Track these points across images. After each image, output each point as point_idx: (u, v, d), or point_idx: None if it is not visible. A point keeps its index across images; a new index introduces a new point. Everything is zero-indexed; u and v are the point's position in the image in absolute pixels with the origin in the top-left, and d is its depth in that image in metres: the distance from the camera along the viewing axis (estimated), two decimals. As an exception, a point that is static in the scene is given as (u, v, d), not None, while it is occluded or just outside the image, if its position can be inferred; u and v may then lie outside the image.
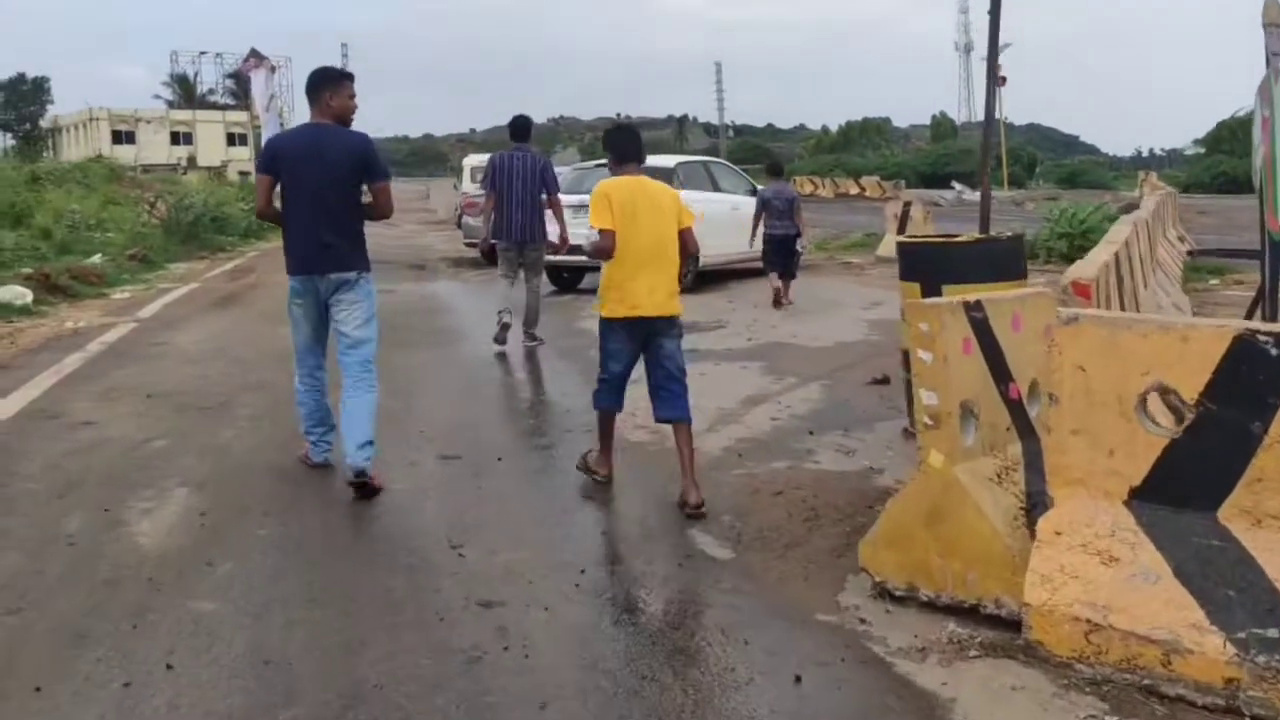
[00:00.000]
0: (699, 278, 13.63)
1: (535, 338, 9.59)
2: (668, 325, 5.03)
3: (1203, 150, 53.87)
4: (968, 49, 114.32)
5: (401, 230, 29.86)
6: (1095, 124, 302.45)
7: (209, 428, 6.57)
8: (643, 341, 5.03)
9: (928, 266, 5.84)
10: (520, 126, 9.63)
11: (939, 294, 5.66)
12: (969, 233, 6.49)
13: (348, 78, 5.41)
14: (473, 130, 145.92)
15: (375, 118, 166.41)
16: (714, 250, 13.99)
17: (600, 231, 4.94)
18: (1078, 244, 15.14)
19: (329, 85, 5.23)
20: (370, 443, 5.11)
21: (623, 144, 5.23)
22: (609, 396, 5.18)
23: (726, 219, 14.23)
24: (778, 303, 12.16)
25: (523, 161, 9.29)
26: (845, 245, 19.20)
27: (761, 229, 12.82)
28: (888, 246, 16.47)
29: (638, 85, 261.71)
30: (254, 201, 5.92)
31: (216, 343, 9.90)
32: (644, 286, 4.89)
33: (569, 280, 14.35)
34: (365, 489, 5.06)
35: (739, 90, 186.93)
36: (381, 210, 5.37)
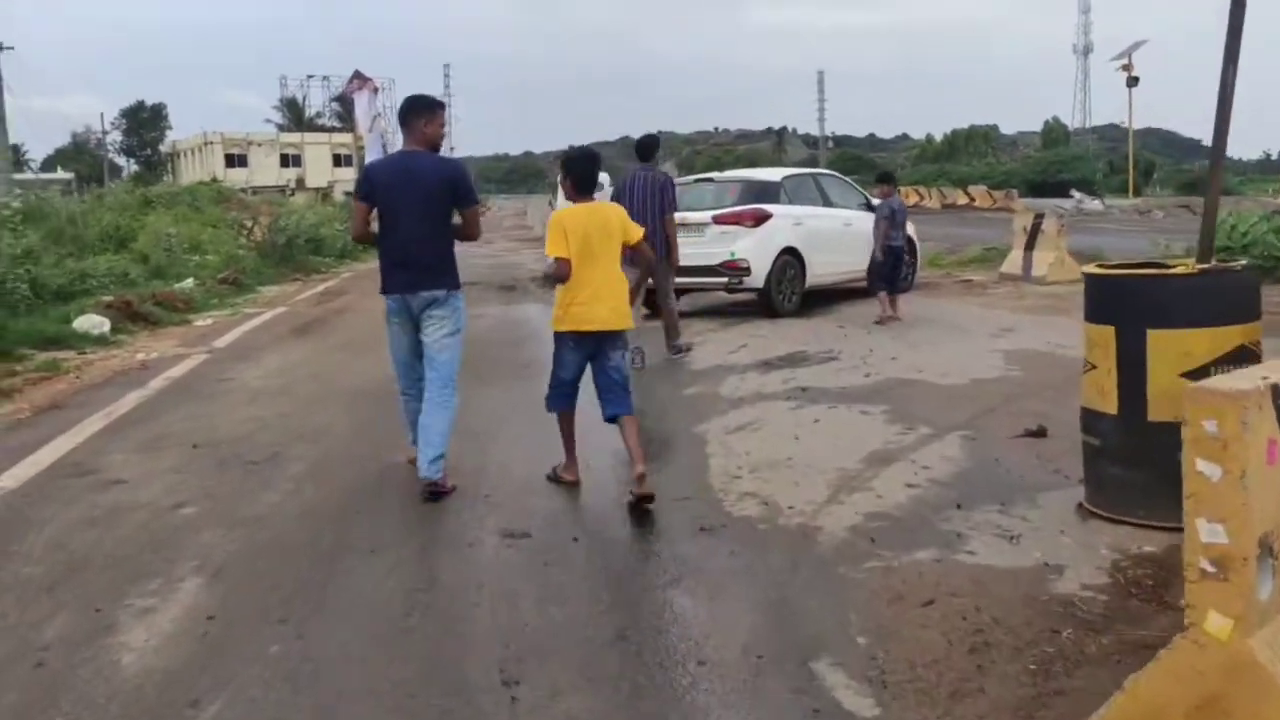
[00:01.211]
0: (805, 300, 12.46)
1: (679, 348, 9.69)
2: (616, 339, 5.49)
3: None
4: (1086, 51, 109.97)
5: (495, 248, 29.27)
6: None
7: (248, 490, 5.65)
8: (591, 353, 5.47)
9: (1131, 305, 4.60)
10: (645, 145, 9.84)
11: (1143, 340, 4.45)
12: (1182, 261, 5.11)
13: (440, 105, 5.75)
14: (571, 146, 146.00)
15: (476, 136, 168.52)
16: (823, 269, 12.85)
17: (556, 259, 5.37)
18: (1237, 258, 13.49)
19: (425, 113, 5.51)
20: (442, 455, 5.39)
21: (586, 174, 5.60)
22: (559, 400, 5.61)
23: (837, 235, 13.06)
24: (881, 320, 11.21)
25: (646, 180, 9.34)
26: (962, 261, 17.71)
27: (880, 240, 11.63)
28: (1013, 262, 15.01)
29: (735, 97, 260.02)
30: (350, 221, 6.43)
31: (285, 377, 9.08)
32: (597, 303, 5.34)
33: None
34: (436, 495, 5.35)
35: (839, 100, 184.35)
36: (470, 232, 5.74)
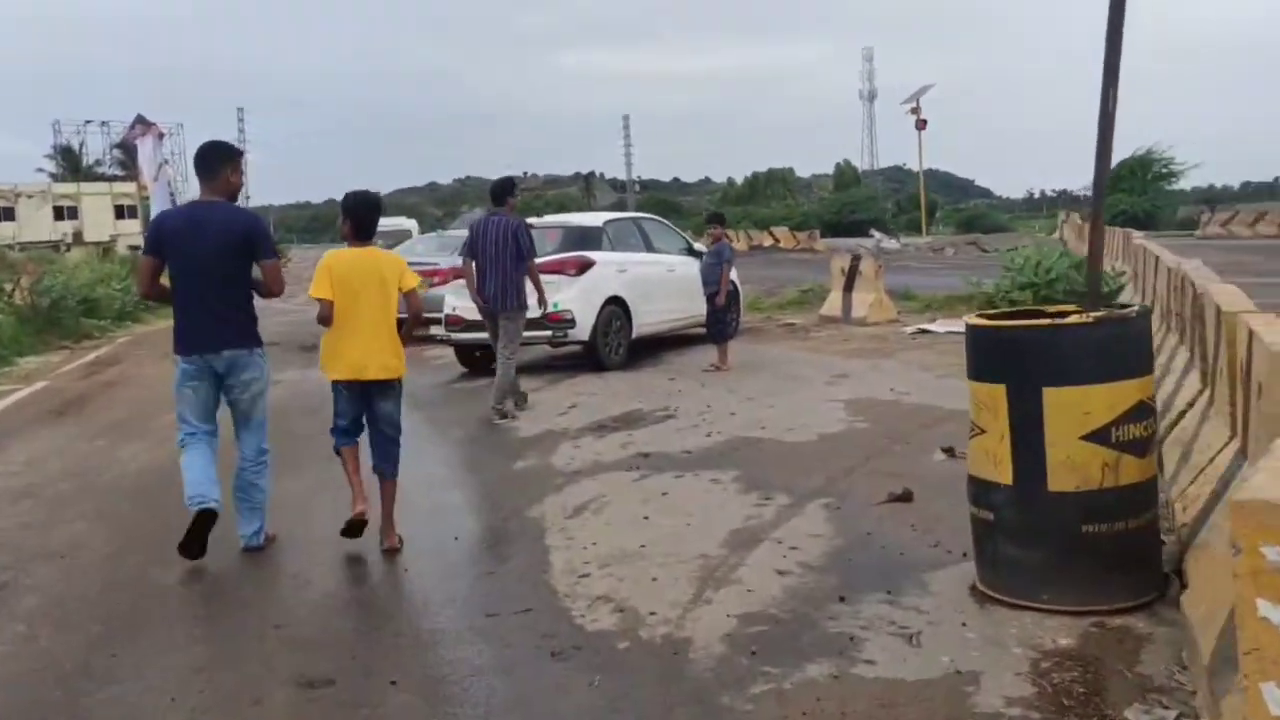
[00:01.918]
0: (631, 350, 11.82)
1: (504, 413, 8.99)
2: (386, 388, 5.45)
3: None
4: (871, 97, 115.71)
5: (296, 302, 27.29)
6: (987, 167, 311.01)
7: (-34, 636, 4.44)
8: (365, 399, 5.42)
9: (1023, 360, 4.06)
10: (497, 189, 9.38)
11: (1038, 400, 3.91)
12: (1062, 307, 4.53)
13: (241, 154, 5.58)
14: (378, 192, 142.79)
15: (275, 183, 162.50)
16: (650, 318, 12.24)
17: (319, 301, 5.33)
18: (1043, 294, 13.71)
19: (229, 161, 5.30)
20: (261, 529, 5.42)
21: (362, 219, 5.45)
22: (342, 439, 5.52)
23: (662, 282, 12.48)
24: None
25: (497, 226, 9.02)
26: (781, 304, 17.54)
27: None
28: (833, 305, 14.87)
29: (544, 143, 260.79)
30: (136, 278, 5.99)
31: (31, 474, 7.64)
32: (361, 352, 5.30)
33: (484, 360, 12.37)
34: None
35: (645, 145, 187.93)
36: (270, 288, 5.43)
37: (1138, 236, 13.38)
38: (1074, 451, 3.90)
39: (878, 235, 37.67)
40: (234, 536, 5.43)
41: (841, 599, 4.28)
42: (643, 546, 5.16)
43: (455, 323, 11.81)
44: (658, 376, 10.81)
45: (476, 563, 5.26)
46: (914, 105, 41.75)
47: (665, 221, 14.24)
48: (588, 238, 12.02)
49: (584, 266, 11.45)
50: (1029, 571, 3.99)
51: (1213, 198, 70.93)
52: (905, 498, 5.62)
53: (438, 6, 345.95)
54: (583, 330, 11.29)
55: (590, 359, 11.52)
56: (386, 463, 5.47)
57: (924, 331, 12.83)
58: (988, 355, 4.27)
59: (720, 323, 11.21)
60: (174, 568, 5.19)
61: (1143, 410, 3.98)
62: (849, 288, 14.60)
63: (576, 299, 11.27)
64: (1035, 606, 3.93)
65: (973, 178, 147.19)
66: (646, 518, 5.70)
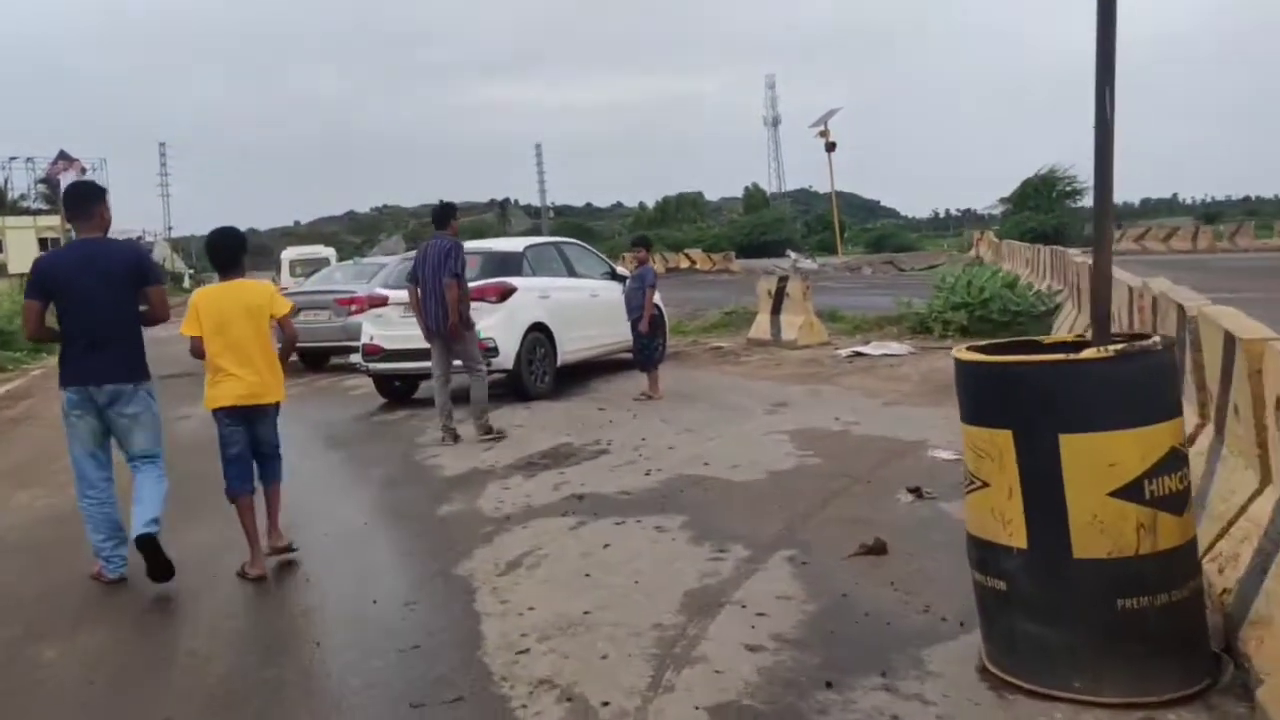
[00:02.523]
0: (557, 378, 11.08)
1: (490, 430, 8.73)
2: (265, 412, 5.54)
3: (1010, 207, 55.32)
4: (775, 122, 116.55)
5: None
6: (892, 188, 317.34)
7: None
8: (249, 424, 5.50)
9: (1033, 402, 3.38)
10: (437, 214, 9.32)
11: (1054, 449, 3.29)
12: (1064, 338, 3.85)
13: (105, 191, 5.69)
14: (296, 222, 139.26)
15: (197, 214, 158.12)
16: (575, 344, 11.52)
17: (190, 338, 5.47)
18: (978, 314, 13.36)
19: (99, 200, 5.43)
20: (157, 519, 5.24)
21: (221, 255, 5.61)
22: (235, 482, 5.48)
23: (586, 307, 11.79)
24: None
25: (436, 249, 8.80)
26: (705, 326, 16.94)
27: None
28: (761, 327, 14.30)
29: (458, 170, 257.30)
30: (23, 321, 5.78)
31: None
32: (233, 381, 5.38)
33: (403, 390, 11.50)
34: (157, 555, 5.14)
35: (557, 171, 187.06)
36: (157, 314, 5.50)
37: (1076, 254, 13.11)
38: (1102, 510, 3.27)
39: (794, 255, 37.47)
40: (127, 602, 4.99)
41: (829, 685, 3.58)
42: (587, 613, 4.41)
43: (373, 352, 10.97)
44: (586, 406, 10.08)
45: (398, 634, 4.44)
46: (823, 128, 41.72)
47: (586, 246, 13.55)
48: (508, 263, 11.26)
49: (505, 293, 10.69)
50: (1055, 654, 3.32)
51: (1117, 214, 72.85)
52: (878, 549, 4.97)
53: (346, 40, 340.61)
54: (506, 359, 10.51)
55: (514, 389, 10.75)
56: (269, 475, 5.65)
57: (859, 354, 12.32)
58: (988, 396, 3.59)
59: (648, 349, 10.54)
60: (54, 642, 4.40)
61: (1176, 459, 3.36)
62: (776, 310, 14.05)
63: (498, 327, 10.51)
64: (1067, 697, 3.26)
65: (879, 198, 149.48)
66: (588, 575, 4.95)
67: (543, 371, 10.95)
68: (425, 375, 11.46)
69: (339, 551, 5.77)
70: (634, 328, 10.56)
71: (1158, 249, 37.62)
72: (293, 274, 25.49)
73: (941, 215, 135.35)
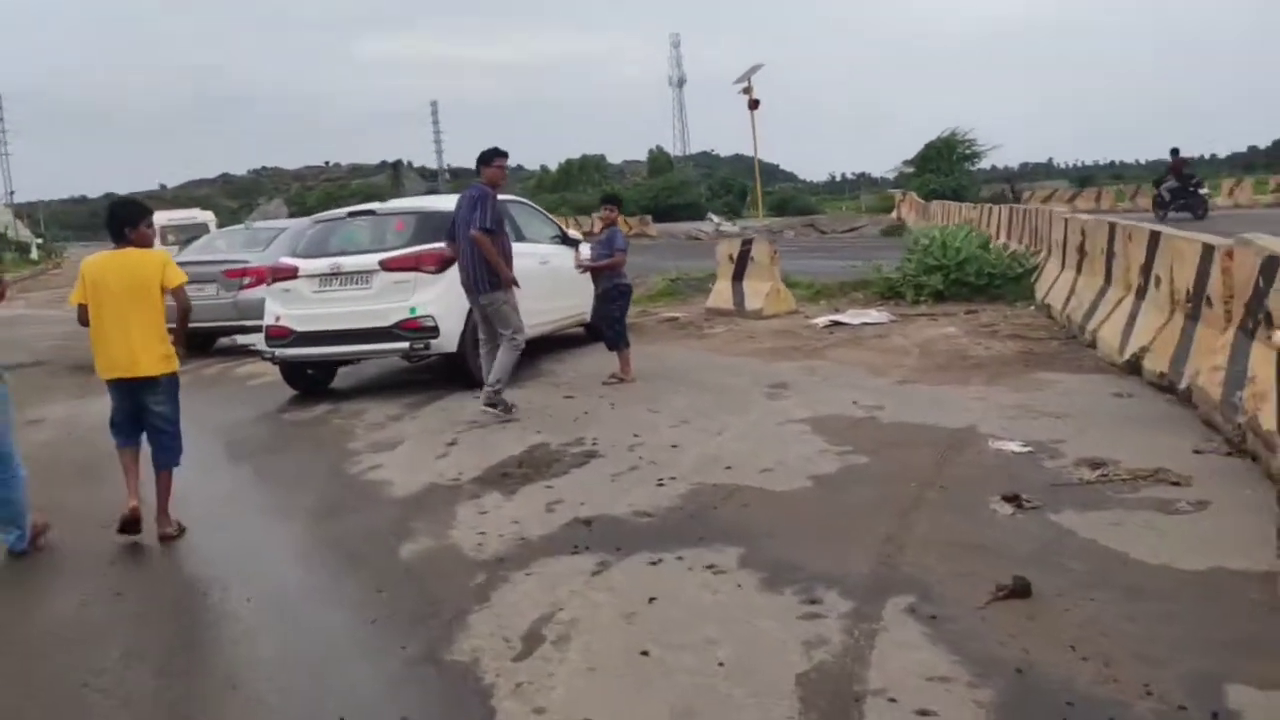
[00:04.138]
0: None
1: (496, 400, 7.82)
2: (151, 385, 5.41)
3: (912, 170, 55.38)
4: (680, 83, 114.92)
5: (70, 311, 23.59)
6: (790, 153, 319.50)
7: None
8: (134, 397, 5.42)
9: None
10: (478, 159, 8.26)
11: None
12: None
13: None
14: (163, 186, 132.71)
15: (45, 178, 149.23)
16: (526, 319, 10.03)
17: (77, 307, 5.46)
18: (954, 277, 12.31)
19: None
20: (23, 535, 5.25)
21: (110, 223, 5.48)
22: (117, 437, 5.55)
23: (538, 276, 10.28)
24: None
25: (467, 198, 8.08)
26: (651, 295, 15.61)
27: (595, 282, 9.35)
28: (722, 295, 13.02)
29: (345, 130, 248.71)
30: None
31: None
32: (117, 351, 5.33)
33: (318, 381, 9.91)
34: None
35: (453, 133, 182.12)
36: None
37: (1064, 210, 12.16)
38: None
39: (716, 219, 36.28)
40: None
41: None
42: (667, 727, 3.10)
43: (280, 335, 9.32)
44: (550, 394, 8.68)
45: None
46: (746, 84, 40.34)
47: (533, 205, 11.97)
48: (444, 226, 9.67)
49: (445, 261, 9.13)
50: None
51: (1010, 177, 73.56)
52: (1021, 591, 3.75)
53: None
54: (448, 339, 9.03)
55: (458, 374, 9.28)
56: (160, 454, 5.49)
57: (837, 324, 11.16)
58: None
59: (618, 325, 9.20)
60: None
61: None
62: (739, 275, 12.79)
63: (438, 301, 9.02)
64: None
65: (778, 162, 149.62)
66: (646, 653, 3.62)
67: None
68: (345, 361, 9.98)
69: (272, 627, 4.29)
70: (604, 300, 9.22)
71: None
72: (165, 241, 23.04)
73: (838, 179, 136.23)
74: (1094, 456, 5.32)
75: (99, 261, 5.41)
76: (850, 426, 6.63)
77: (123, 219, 5.43)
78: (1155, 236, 7.35)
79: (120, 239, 5.42)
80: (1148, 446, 5.42)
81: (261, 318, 9.98)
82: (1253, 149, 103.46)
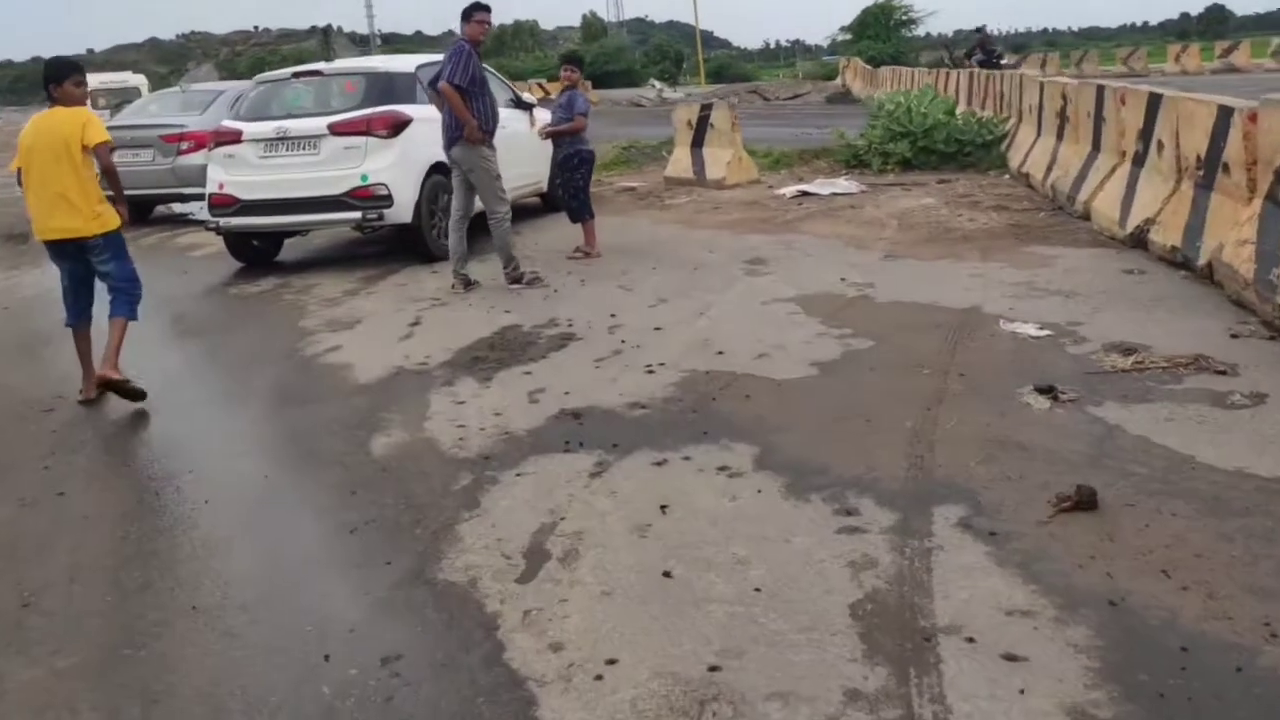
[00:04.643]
0: (473, 229, 8.86)
1: (519, 275, 7.32)
2: (90, 246, 5.15)
3: (849, 37, 53.94)
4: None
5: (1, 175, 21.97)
6: (722, 19, 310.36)
7: None
8: (76, 258, 5.21)
9: None
10: (461, 14, 7.37)
11: None
12: None
13: None
14: (90, 50, 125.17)
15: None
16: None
17: (16, 172, 5.22)
18: (921, 145, 11.67)
19: None
20: None
21: (47, 82, 5.17)
22: (68, 314, 5.36)
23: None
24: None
25: (447, 54, 7.42)
26: (605, 164, 14.69)
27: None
28: (681, 164, 12.23)
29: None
30: None
31: None
32: (47, 212, 5.10)
33: (264, 252, 9.08)
34: None
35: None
36: None
37: (1036, 74, 11.46)
38: None
39: (658, 85, 34.87)
40: None
41: None
42: (713, 669, 2.59)
43: (225, 204, 8.45)
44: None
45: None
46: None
47: (487, 68, 10.95)
48: (397, 87, 8.74)
49: (398, 125, 8.29)
50: None
51: (948, 43, 72.05)
52: (1087, 503, 3.26)
53: None
54: (402, 209, 8.24)
55: (413, 246, 8.52)
56: (114, 306, 5.26)
57: (805, 194, 10.50)
58: None
59: (582, 195, 8.46)
60: None
61: None
62: (699, 143, 11.99)
63: (392, 169, 8.20)
64: None
65: (711, 29, 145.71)
66: (668, 574, 3.09)
67: (446, 225, 8.71)
68: (294, 232, 9.14)
69: (235, 535, 3.67)
70: (565, 168, 8.46)
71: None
72: (96, 106, 21.38)
73: (773, 46, 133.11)
74: (1121, 341, 4.83)
75: (33, 125, 5.18)
76: (843, 306, 6.08)
77: (48, 77, 5.15)
78: (1155, 99, 6.73)
79: (50, 99, 5.18)
80: (1177, 329, 4.94)
81: (201, 184, 9.10)
82: (1185, 15, 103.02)
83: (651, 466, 3.92)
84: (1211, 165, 5.79)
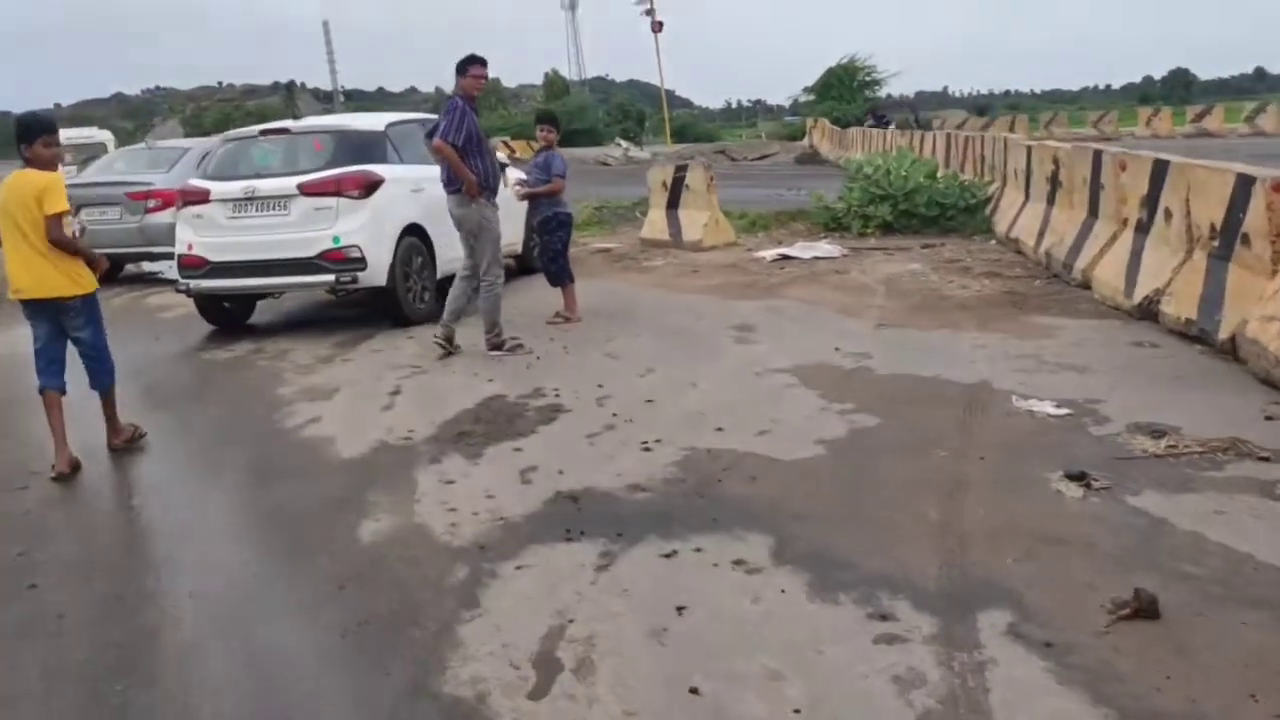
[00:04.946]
0: (440, 293, 8.58)
1: (500, 342, 7.04)
2: (65, 308, 5.03)
3: (813, 97, 54.58)
4: (573, 6, 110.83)
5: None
6: (683, 79, 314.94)
7: None
8: (49, 321, 5.08)
9: None
10: (456, 68, 7.14)
11: None
12: None
13: None
14: (58, 105, 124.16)
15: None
16: (456, 251, 8.95)
17: None
18: (902, 208, 11.59)
19: None
20: None
21: (18, 141, 4.97)
22: (42, 375, 5.10)
23: (468, 204, 9.23)
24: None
25: (443, 110, 7.26)
26: (577, 225, 14.50)
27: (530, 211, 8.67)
28: (656, 226, 12.05)
29: (240, 52, 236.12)
30: None
31: None
32: (17, 273, 4.97)
33: (236, 314, 8.72)
34: None
35: (344, 56, 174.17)
36: None
37: (1021, 138, 11.43)
38: None
39: (624, 144, 34.96)
40: None
41: None
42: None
43: (194, 265, 8.10)
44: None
45: None
46: (648, 6, 38.91)
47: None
48: (368, 146, 8.48)
49: (370, 185, 8.02)
50: None
51: (913, 104, 73.19)
52: (1148, 610, 3.00)
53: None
54: (376, 272, 7.94)
55: (388, 310, 8.21)
56: (94, 380, 5.23)
57: (785, 258, 10.35)
58: None
59: (561, 259, 8.22)
60: None
61: None
62: (674, 204, 11.84)
63: (365, 230, 7.91)
64: None
65: (673, 88, 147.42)
66: (696, 691, 2.78)
67: (421, 287, 8.43)
68: (265, 295, 8.80)
69: (220, 636, 3.32)
70: (544, 230, 8.23)
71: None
72: (63, 162, 20.93)
73: (734, 106, 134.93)
74: (1148, 422, 4.60)
75: (7, 182, 5.02)
76: (842, 378, 5.85)
77: (19, 135, 4.98)
78: (1162, 165, 6.60)
79: (22, 158, 4.99)
80: (1204, 409, 4.72)
81: (170, 243, 8.76)
82: (1147, 79, 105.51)
83: (661, 559, 3.63)
84: (1229, 236, 5.65)
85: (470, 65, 7.05)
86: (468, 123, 6.89)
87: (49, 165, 5.01)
